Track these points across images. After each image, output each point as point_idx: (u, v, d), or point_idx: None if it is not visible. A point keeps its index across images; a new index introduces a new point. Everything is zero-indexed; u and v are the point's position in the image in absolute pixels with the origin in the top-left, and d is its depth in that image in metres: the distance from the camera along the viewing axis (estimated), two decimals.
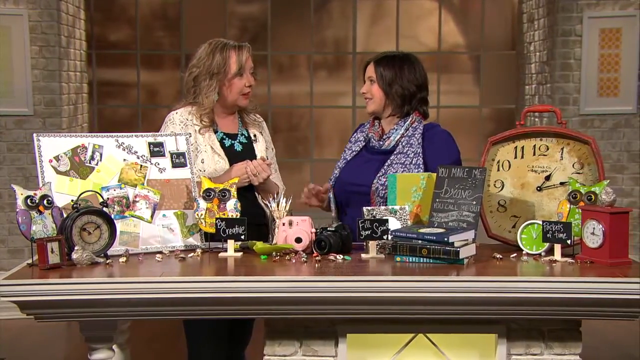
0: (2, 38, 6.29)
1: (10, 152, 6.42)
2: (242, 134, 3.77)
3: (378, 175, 3.52)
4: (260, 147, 3.78)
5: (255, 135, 3.80)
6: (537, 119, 6.89)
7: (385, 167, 3.52)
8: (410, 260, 3.02)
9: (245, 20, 8.15)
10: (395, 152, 3.55)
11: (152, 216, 3.22)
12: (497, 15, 8.02)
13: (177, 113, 3.69)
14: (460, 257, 2.95)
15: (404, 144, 3.55)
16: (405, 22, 8.01)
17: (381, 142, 3.60)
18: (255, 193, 3.69)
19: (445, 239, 2.96)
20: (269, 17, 7.94)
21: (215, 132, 3.70)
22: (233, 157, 3.67)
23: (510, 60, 7.85)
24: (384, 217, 3.15)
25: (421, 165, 3.50)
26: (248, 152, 3.72)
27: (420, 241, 3.01)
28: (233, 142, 3.73)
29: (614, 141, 6.62)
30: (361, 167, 3.57)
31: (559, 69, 6.63)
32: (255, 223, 3.58)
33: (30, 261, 2.97)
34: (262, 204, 3.68)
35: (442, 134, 3.62)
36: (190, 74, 3.68)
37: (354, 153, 3.68)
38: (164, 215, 3.26)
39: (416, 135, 3.55)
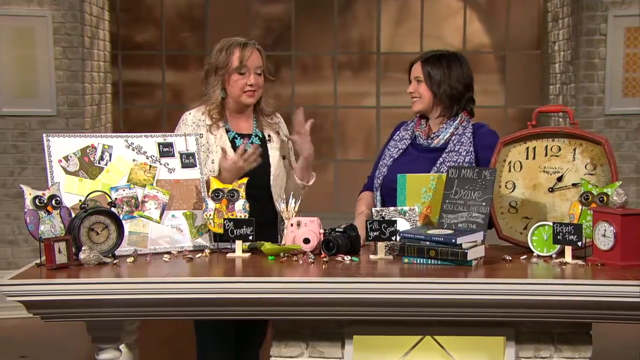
0: (26, 39, 6.36)
1: (34, 152, 6.48)
2: (255, 135, 3.77)
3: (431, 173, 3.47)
4: (275, 148, 3.77)
5: (269, 136, 3.79)
6: (560, 119, 6.81)
7: (437, 165, 3.47)
8: (418, 262, 3.00)
9: (269, 20, 8.15)
10: (446, 151, 3.50)
11: (161, 216, 3.23)
12: (522, 14, 7.94)
13: (189, 114, 3.72)
14: (468, 258, 2.92)
15: (455, 142, 3.50)
16: (430, 22, 7.96)
17: (429, 141, 3.56)
18: (272, 192, 3.68)
19: (453, 241, 2.93)
20: (293, 18, 7.94)
21: (228, 131, 3.71)
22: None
23: (536, 60, 7.77)
24: (393, 218, 3.12)
25: (473, 164, 3.45)
26: (260, 154, 3.70)
27: (428, 242, 2.99)
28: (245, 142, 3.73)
29: None
30: (409, 165, 3.50)
31: (583, 69, 6.54)
32: (268, 224, 3.57)
33: (38, 261, 2.98)
34: (276, 205, 3.67)
35: (492, 134, 3.56)
36: (204, 70, 3.74)
37: (401, 151, 3.62)
38: (173, 216, 3.26)
39: (467, 134, 3.51)
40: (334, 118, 8.07)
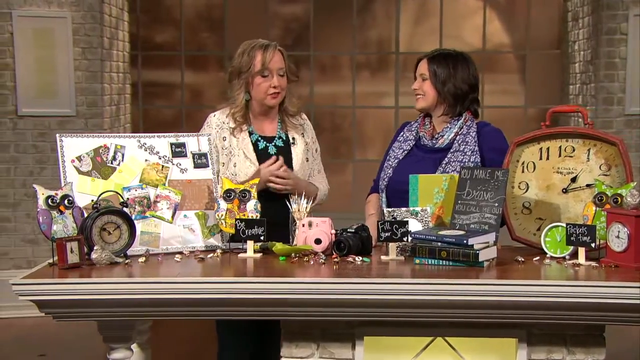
0: (46, 40, 6.40)
1: (53, 152, 6.49)
2: (279, 137, 3.77)
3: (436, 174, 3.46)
4: (298, 151, 3.76)
5: (293, 139, 3.79)
6: (580, 120, 6.76)
7: (443, 165, 3.47)
8: (430, 263, 2.98)
9: (288, 21, 8.16)
10: (451, 151, 3.49)
11: (173, 216, 3.23)
12: (542, 13, 7.89)
13: (214, 116, 3.74)
14: (480, 259, 2.91)
15: (459, 141, 3.49)
16: (450, 21, 7.92)
17: (434, 141, 3.55)
18: (295, 193, 3.68)
19: (465, 242, 2.92)
20: (312, 18, 7.93)
21: (251, 134, 3.72)
22: (266, 160, 3.66)
23: (556, 60, 7.72)
24: (405, 219, 3.11)
25: (479, 163, 3.45)
26: (283, 156, 3.70)
27: (439, 243, 2.97)
28: (268, 144, 3.73)
29: None
30: (414, 167, 3.49)
31: (603, 69, 6.49)
32: (281, 224, 3.57)
33: (51, 260, 3.00)
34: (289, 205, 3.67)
35: (496, 132, 3.56)
36: (228, 73, 3.77)
37: (406, 152, 3.62)
38: (185, 216, 3.27)
39: (471, 134, 3.50)
40: (352, 118, 8.06)
